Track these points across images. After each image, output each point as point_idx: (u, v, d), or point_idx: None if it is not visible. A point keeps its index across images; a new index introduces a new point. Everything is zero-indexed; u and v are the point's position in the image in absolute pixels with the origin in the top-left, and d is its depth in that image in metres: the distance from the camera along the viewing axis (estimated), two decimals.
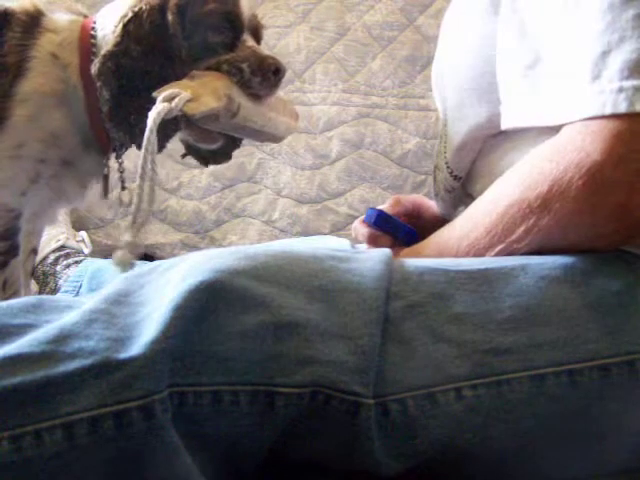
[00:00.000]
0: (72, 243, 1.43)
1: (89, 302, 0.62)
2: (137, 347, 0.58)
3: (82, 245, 1.47)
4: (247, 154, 1.86)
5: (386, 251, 0.70)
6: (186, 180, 1.86)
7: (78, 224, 1.70)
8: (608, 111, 0.62)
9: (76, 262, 1.34)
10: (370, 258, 0.68)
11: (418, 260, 0.71)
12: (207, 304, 0.60)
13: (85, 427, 0.56)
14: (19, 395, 0.56)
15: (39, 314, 0.62)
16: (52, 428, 0.56)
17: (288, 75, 1.90)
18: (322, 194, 1.87)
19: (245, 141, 1.05)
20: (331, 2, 1.93)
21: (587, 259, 0.68)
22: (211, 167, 1.52)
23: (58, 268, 1.34)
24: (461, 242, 0.75)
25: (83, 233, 1.54)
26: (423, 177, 1.88)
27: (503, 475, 0.67)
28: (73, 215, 1.68)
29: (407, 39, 1.91)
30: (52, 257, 1.36)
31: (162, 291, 0.62)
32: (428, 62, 1.85)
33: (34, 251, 1.09)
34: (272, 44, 1.89)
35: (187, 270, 0.63)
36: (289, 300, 0.62)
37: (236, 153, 1.05)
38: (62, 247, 1.39)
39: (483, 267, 0.68)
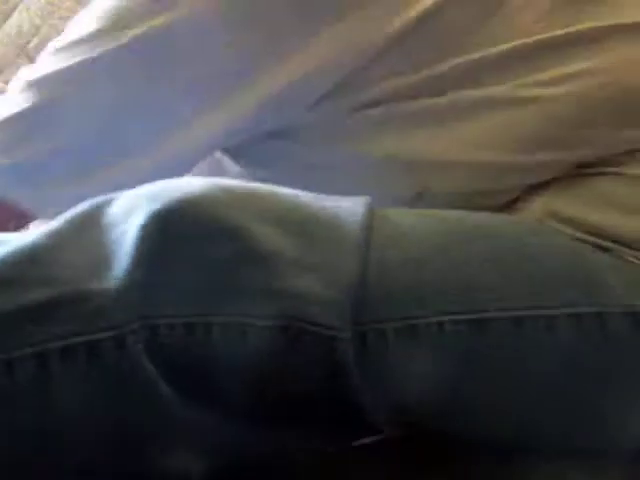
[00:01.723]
0: None
1: (54, 223, 0.61)
2: (107, 278, 0.57)
3: None
4: None
5: (366, 197, 0.69)
6: None
7: None
8: None
9: None
10: (350, 199, 0.67)
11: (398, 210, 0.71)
12: (176, 232, 0.59)
13: (57, 356, 0.56)
14: None
15: None
16: (24, 357, 0.55)
17: None
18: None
19: None
20: None
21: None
22: None
23: None
24: None
25: None
26: None
27: (485, 432, 0.65)
28: None
29: None
30: None
31: (130, 214, 0.61)
32: None
33: None
34: None
35: (156, 194, 0.61)
36: (262, 231, 0.61)
37: None
38: None
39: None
